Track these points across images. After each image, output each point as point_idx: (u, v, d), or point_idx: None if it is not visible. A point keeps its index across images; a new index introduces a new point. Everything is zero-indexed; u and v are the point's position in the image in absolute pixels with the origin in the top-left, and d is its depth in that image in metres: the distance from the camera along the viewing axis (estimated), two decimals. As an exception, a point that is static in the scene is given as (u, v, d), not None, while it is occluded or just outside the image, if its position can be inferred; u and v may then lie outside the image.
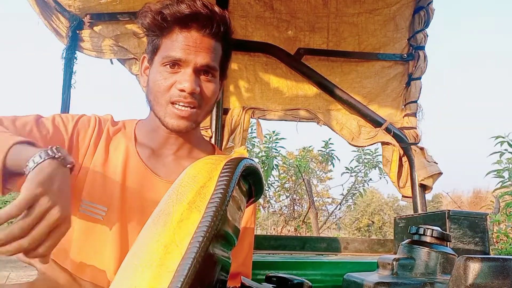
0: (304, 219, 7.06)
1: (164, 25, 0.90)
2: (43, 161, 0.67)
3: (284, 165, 7.15)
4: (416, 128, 2.06)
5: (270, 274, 1.00)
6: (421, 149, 2.02)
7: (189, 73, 0.90)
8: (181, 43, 0.89)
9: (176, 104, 0.91)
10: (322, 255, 1.87)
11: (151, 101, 0.95)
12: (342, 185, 7.30)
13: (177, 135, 0.99)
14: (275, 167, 6.23)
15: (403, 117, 2.09)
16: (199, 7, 0.88)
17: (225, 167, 0.56)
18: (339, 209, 8.15)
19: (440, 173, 1.98)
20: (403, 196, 2.11)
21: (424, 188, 1.99)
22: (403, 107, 2.11)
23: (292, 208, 7.49)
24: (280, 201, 7.56)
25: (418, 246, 0.90)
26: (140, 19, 0.94)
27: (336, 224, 9.20)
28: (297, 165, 6.97)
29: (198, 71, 0.92)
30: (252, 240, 1.07)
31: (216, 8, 0.91)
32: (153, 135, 1.00)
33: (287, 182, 7.39)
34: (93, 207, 0.89)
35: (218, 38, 0.93)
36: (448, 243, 0.92)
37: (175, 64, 0.90)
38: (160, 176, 0.96)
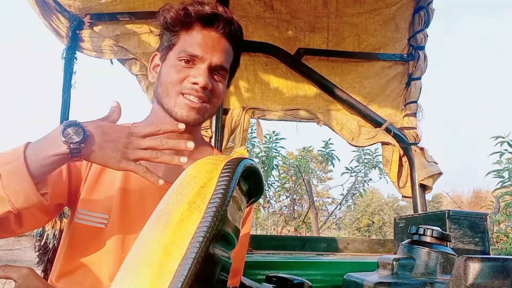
0: (304, 219, 7.06)
1: (186, 21, 0.94)
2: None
3: (284, 165, 7.16)
4: (416, 128, 2.06)
5: (270, 274, 1.00)
6: (421, 149, 2.02)
7: (204, 68, 0.93)
8: (200, 40, 0.93)
9: (186, 95, 0.93)
10: (322, 255, 1.87)
11: (160, 93, 0.96)
12: (342, 185, 7.33)
13: (180, 133, 0.99)
14: (275, 167, 6.24)
15: (403, 117, 2.09)
16: (221, 11, 0.95)
17: (225, 167, 0.56)
18: (339, 209, 8.16)
19: (440, 173, 1.98)
20: (403, 196, 2.11)
21: (424, 188, 1.99)
22: (403, 107, 2.11)
23: (292, 208, 7.49)
24: (280, 201, 7.57)
25: (418, 246, 0.90)
26: (161, 15, 0.97)
27: (336, 224, 9.21)
28: (297, 165, 6.97)
29: (212, 70, 0.95)
30: (245, 250, 1.08)
31: (234, 16, 0.97)
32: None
33: (287, 182, 7.39)
34: (92, 216, 0.89)
35: (233, 43, 0.98)
36: (448, 243, 0.92)
37: (191, 60, 0.93)
38: (160, 178, 0.95)
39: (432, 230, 0.91)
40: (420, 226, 0.93)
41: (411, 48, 2.10)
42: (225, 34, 0.95)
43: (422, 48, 2.07)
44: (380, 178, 6.85)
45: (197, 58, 0.93)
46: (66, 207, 0.96)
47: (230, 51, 0.98)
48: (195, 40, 0.93)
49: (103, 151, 0.74)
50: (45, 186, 0.76)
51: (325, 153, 6.82)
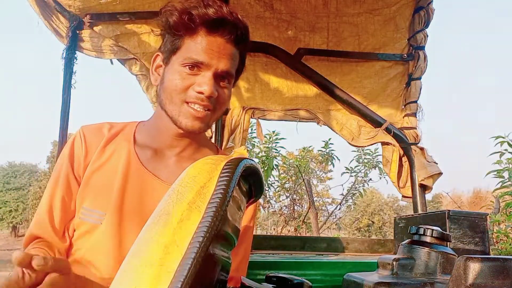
0: (304, 219, 7.06)
1: (190, 26, 0.89)
2: None
3: (284, 165, 7.15)
4: (416, 128, 2.06)
5: (270, 274, 1.00)
6: (421, 149, 2.02)
7: (209, 76, 0.89)
8: (205, 47, 0.89)
9: (191, 104, 0.90)
10: (322, 255, 1.87)
11: (163, 99, 0.94)
12: (342, 185, 7.30)
13: (183, 136, 0.98)
14: (275, 167, 6.23)
15: (403, 117, 2.09)
16: (226, 14, 0.89)
17: (225, 167, 0.56)
18: (339, 209, 8.15)
19: (440, 173, 1.98)
20: (403, 196, 2.11)
21: (424, 188, 1.99)
22: (403, 107, 2.11)
23: (292, 208, 7.48)
24: (280, 201, 7.56)
25: (418, 246, 0.90)
26: (163, 16, 0.93)
27: (336, 224, 9.21)
28: (297, 165, 6.97)
29: (217, 76, 0.92)
30: (249, 246, 1.06)
31: (240, 17, 0.92)
32: (157, 135, 0.99)
33: (287, 182, 7.38)
34: (92, 213, 0.90)
35: (239, 47, 0.94)
36: (448, 243, 0.92)
37: (195, 66, 0.90)
38: (160, 179, 0.95)
39: (432, 230, 0.91)
40: (420, 226, 0.93)
41: (411, 48, 2.10)
42: (231, 39, 0.91)
43: (422, 48, 2.07)
44: (380, 178, 6.83)
45: (202, 65, 0.89)
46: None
47: (236, 56, 0.94)
48: (200, 46, 0.89)
49: None
50: None
51: (325, 153, 6.81)
